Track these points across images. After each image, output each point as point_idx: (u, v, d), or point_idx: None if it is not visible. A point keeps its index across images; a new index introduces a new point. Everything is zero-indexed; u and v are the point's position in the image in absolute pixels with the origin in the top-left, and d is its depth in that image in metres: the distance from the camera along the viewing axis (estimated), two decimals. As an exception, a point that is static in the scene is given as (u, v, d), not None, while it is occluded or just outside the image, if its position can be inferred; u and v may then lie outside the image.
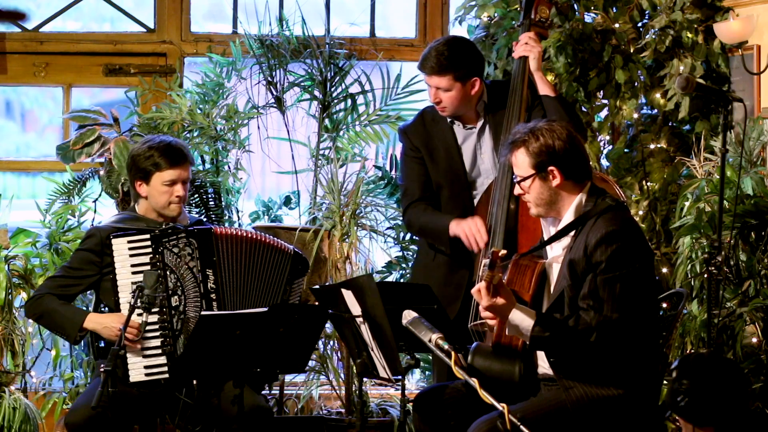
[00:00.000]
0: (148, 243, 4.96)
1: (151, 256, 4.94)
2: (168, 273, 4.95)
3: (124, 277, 4.94)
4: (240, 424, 4.72)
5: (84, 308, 5.51)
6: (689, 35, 6.11)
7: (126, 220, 5.12)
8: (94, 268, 5.06)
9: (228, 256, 5.03)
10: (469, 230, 5.04)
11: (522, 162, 4.35)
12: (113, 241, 4.94)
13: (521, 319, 4.17)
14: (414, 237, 6.12)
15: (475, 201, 5.21)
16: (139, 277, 4.85)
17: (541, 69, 5.21)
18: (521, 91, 5.16)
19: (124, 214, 5.22)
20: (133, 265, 4.94)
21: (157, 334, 4.91)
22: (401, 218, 6.11)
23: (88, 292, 5.29)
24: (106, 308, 5.10)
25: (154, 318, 4.89)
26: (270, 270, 5.09)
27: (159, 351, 4.91)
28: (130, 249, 4.95)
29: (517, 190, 4.41)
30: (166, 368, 4.90)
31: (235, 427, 4.77)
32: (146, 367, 4.89)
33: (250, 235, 5.09)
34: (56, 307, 5.02)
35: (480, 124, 5.25)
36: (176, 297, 4.95)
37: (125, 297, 4.93)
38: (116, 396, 4.40)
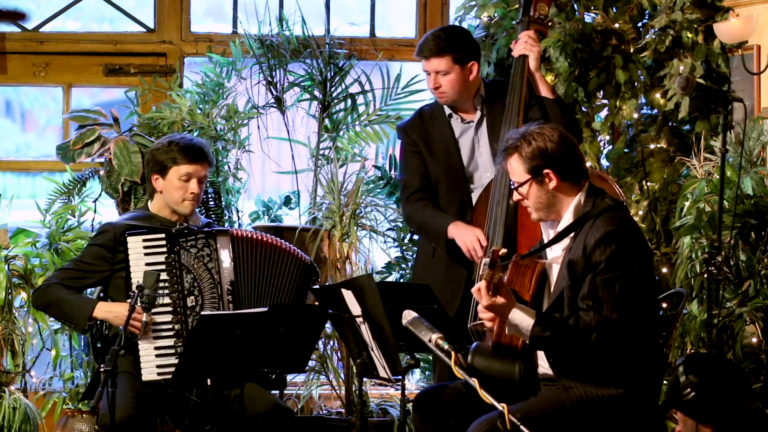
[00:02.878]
0: (164, 242, 4.92)
1: (166, 255, 4.92)
2: (184, 273, 4.92)
3: (138, 275, 4.86)
4: (262, 423, 4.74)
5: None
6: (689, 35, 6.11)
7: (140, 218, 5.09)
8: (105, 264, 5.03)
9: (245, 258, 5.00)
10: (470, 242, 5.04)
11: (517, 168, 4.34)
12: (129, 239, 4.91)
13: (521, 319, 4.17)
14: (413, 234, 6.12)
15: (473, 195, 5.21)
16: None
17: (540, 69, 5.21)
18: (520, 90, 5.16)
19: (137, 212, 5.21)
20: (147, 264, 4.90)
21: (171, 333, 4.88)
22: (401, 218, 6.12)
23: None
24: None
25: (168, 318, 4.87)
26: (284, 276, 5.05)
27: (172, 351, 4.88)
28: (146, 248, 4.92)
29: (515, 197, 4.40)
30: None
31: (258, 426, 4.77)
32: (158, 367, 4.86)
33: (266, 239, 5.06)
34: (64, 296, 4.98)
35: (477, 117, 5.26)
36: (192, 297, 4.92)
37: None
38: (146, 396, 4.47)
